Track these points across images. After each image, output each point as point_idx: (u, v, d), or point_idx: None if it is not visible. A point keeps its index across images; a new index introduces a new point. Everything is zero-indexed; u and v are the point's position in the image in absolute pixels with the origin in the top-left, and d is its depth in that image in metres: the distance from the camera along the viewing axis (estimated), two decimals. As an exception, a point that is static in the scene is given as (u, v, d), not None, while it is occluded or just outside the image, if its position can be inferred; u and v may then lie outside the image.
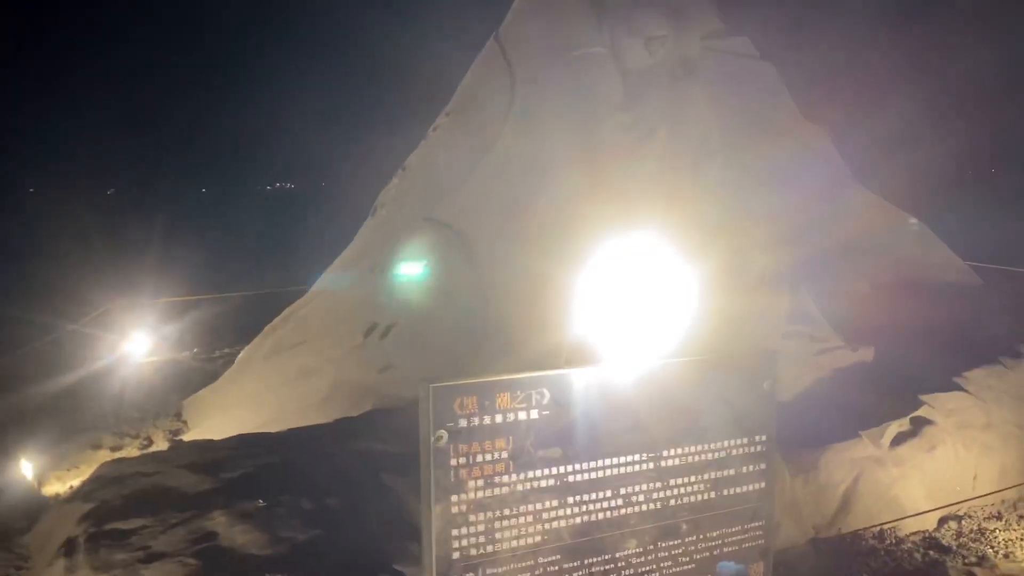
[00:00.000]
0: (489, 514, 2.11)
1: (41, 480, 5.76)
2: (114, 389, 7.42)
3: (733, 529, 2.46)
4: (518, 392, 2.12)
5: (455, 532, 2.07)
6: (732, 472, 2.44)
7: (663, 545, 2.36)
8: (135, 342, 8.67)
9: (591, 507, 2.24)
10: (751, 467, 2.47)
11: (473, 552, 2.09)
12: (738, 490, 2.45)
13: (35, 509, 4.81)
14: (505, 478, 2.12)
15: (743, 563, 2.49)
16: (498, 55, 5.57)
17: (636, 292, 2.40)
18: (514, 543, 2.14)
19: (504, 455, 2.11)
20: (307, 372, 5.48)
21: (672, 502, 2.36)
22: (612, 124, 5.16)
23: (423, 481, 2.05)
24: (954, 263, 6.11)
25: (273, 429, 4.78)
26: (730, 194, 5.32)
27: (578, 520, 2.22)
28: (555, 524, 2.19)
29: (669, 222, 4.64)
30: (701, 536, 2.41)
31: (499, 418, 2.10)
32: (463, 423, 2.06)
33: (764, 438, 2.48)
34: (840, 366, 4.89)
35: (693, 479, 2.38)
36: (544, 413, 2.15)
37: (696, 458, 2.38)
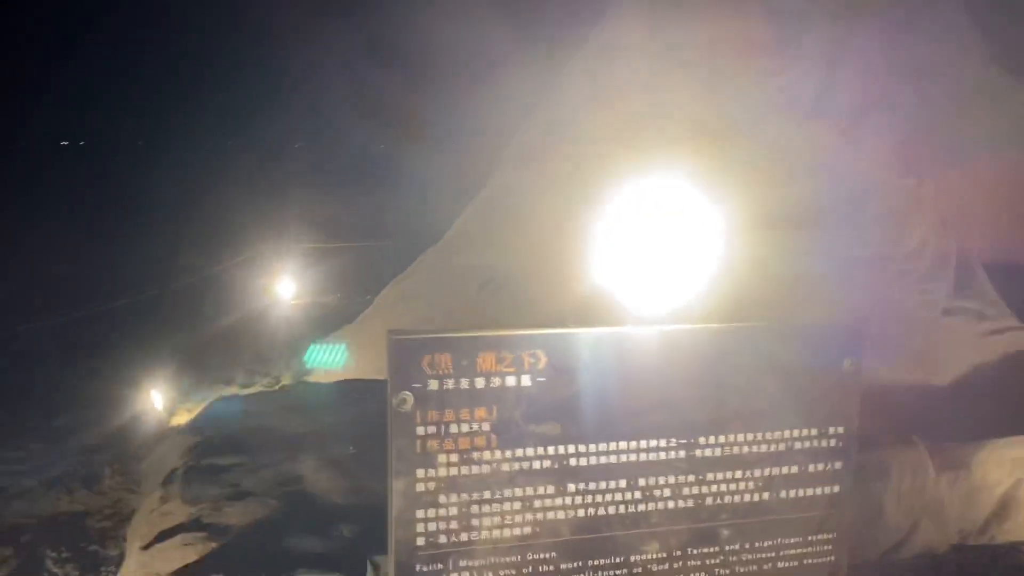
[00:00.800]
0: (464, 496, 1.75)
1: (171, 411, 5.99)
2: (255, 329, 7.66)
3: (791, 540, 1.96)
4: (505, 353, 1.73)
5: (420, 514, 1.73)
6: (794, 470, 1.93)
7: (694, 552, 1.91)
8: (280, 285, 8.93)
9: (598, 499, 1.83)
10: (821, 466, 1.95)
11: (442, 540, 1.74)
12: (801, 493, 1.95)
13: (158, 438, 4.98)
14: (486, 454, 1.75)
15: (804, 582, 1.99)
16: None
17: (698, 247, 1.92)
18: (495, 533, 1.77)
19: (485, 427, 1.74)
20: (424, 322, 5.31)
21: (709, 501, 1.89)
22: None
23: (388, 451, 1.71)
24: None
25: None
26: (887, 147, 4.54)
27: (580, 513, 1.82)
28: (550, 515, 1.80)
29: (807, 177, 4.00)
30: (747, 545, 1.94)
31: (480, 382, 1.72)
32: (433, 385, 1.70)
33: (841, 431, 1.95)
34: (1011, 351, 4.08)
35: (739, 475, 1.90)
36: (539, 380, 1.75)
37: (744, 449, 1.90)
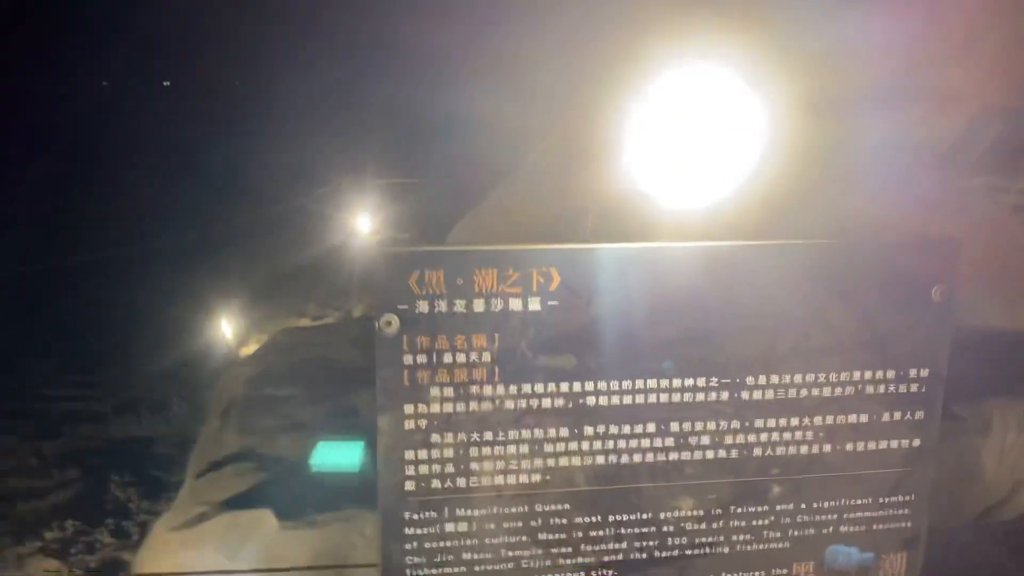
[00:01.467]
0: (462, 436, 1.50)
1: (241, 342, 6.01)
2: (331, 263, 7.62)
3: (859, 502, 1.65)
4: (509, 270, 1.45)
5: (409, 455, 1.49)
6: (864, 419, 1.60)
7: (738, 511, 1.61)
8: (357, 219, 8.86)
9: (621, 445, 1.55)
10: (898, 415, 1.61)
11: (436, 485, 1.51)
12: (872, 447, 1.62)
13: (224, 368, 4.99)
14: (487, 389, 1.49)
15: (871, 551, 1.67)
16: None
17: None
18: (498, 480, 1.53)
19: (485, 357, 1.48)
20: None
21: (756, 452, 1.59)
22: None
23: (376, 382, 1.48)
24: None
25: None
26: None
27: (600, 460, 1.55)
28: (563, 462, 1.54)
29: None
30: (802, 506, 1.63)
31: (478, 304, 1.46)
32: (423, 307, 1.44)
33: (926, 374, 1.60)
34: None
35: (795, 422, 1.59)
36: (550, 304, 1.48)
37: (802, 392, 1.58)
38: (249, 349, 5.77)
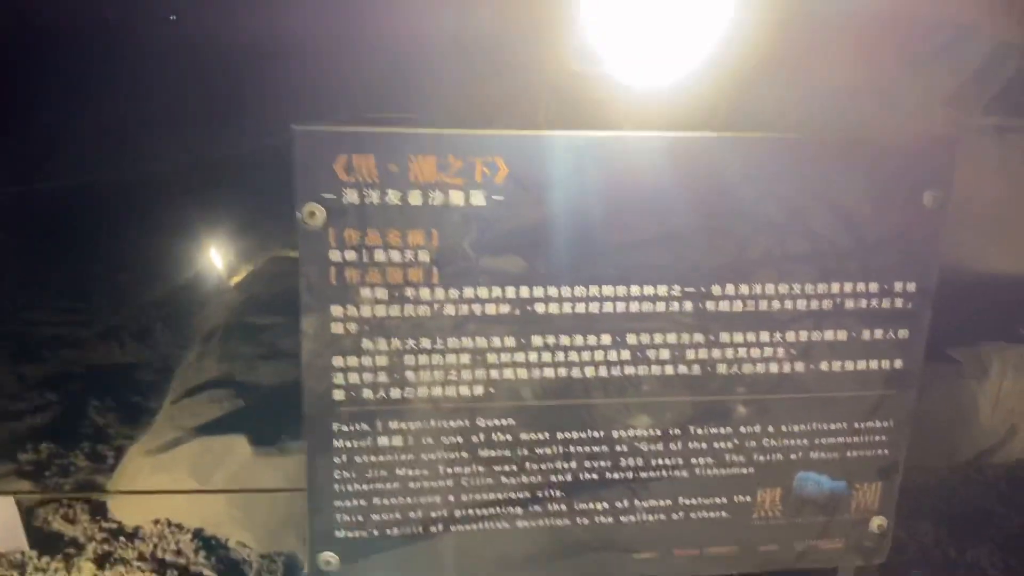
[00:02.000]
0: (396, 343, 1.37)
1: (229, 271, 5.89)
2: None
3: (832, 427, 1.52)
4: (450, 158, 1.30)
5: (338, 361, 1.36)
6: (841, 336, 1.46)
7: (699, 432, 1.49)
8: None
9: (573, 357, 1.42)
10: (879, 333, 1.47)
11: (367, 395, 1.38)
12: (849, 366, 1.48)
13: (210, 296, 4.88)
14: (424, 292, 1.35)
15: (843, 479, 1.55)
16: None
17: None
18: (436, 392, 1.40)
19: (423, 256, 1.33)
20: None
21: (721, 368, 1.46)
22: None
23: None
24: None
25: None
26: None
27: (549, 373, 1.42)
28: (508, 374, 1.41)
29: None
30: (770, 428, 1.51)
31: (415, 196, 1.31)
32: (351, 196, 1.30)
33: (912, 288, 1.45)
34: None
35: (765, 337, 1.45)
36: (495, 198, 1.32)
37: (773, 305, 1.43)
38: (236, 278, 5.65)
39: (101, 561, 1.99)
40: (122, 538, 2.07)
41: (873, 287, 1.44)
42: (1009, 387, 2.63)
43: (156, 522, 2.15)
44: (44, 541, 2.05)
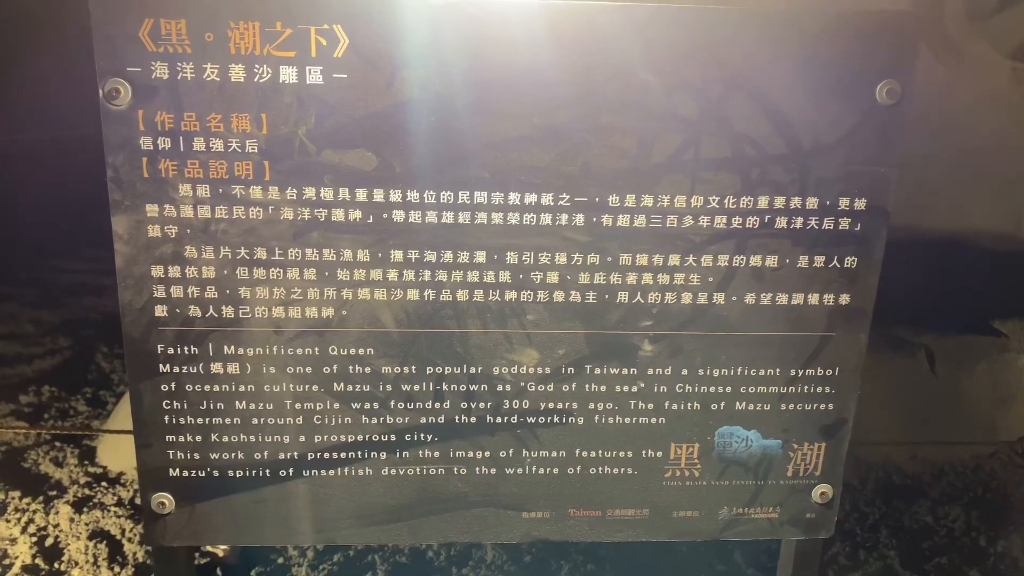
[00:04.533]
0: (225, 252, 1.15)
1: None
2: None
3: (762, 373, 1.26)
4: (278, 24, 1.07)
5: (157, 271, 1.15)
6: (772, 262, 1.20)
7: (598, 372, 1.25)
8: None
9: (441, 276, 1.18)
10: (819, 259, 1.21)
11: (194, 313, 1.17)
12: (782, 300, 1.22)
13: None
14: (255, 190, 1.13)
15: (777, 437, 1.30)
16: None
17: None
18: (277, 312, 1.18)
19: (251, 147, 1.11)
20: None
21: (622, 296, 1.21)
22: None
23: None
24: None
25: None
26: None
27: (412, 295, 1.19)
28: (363, 294, 1.19)
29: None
30: (684, 372, 1.26)
31: (237, 71, 1.08)
32: (160, 70, 1.07)
33: (862, 206, 1.18)
34: None
35: (675, 261, 1.20)
36: (336, 77, 1.09)
37: (686, 221, 1.18)
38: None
39: (79, 505, 1.93)
40: (104, 483, 2.01)
41: (812, 202, 1.17)
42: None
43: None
44: (30, 482, 2.01)
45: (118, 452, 2.12)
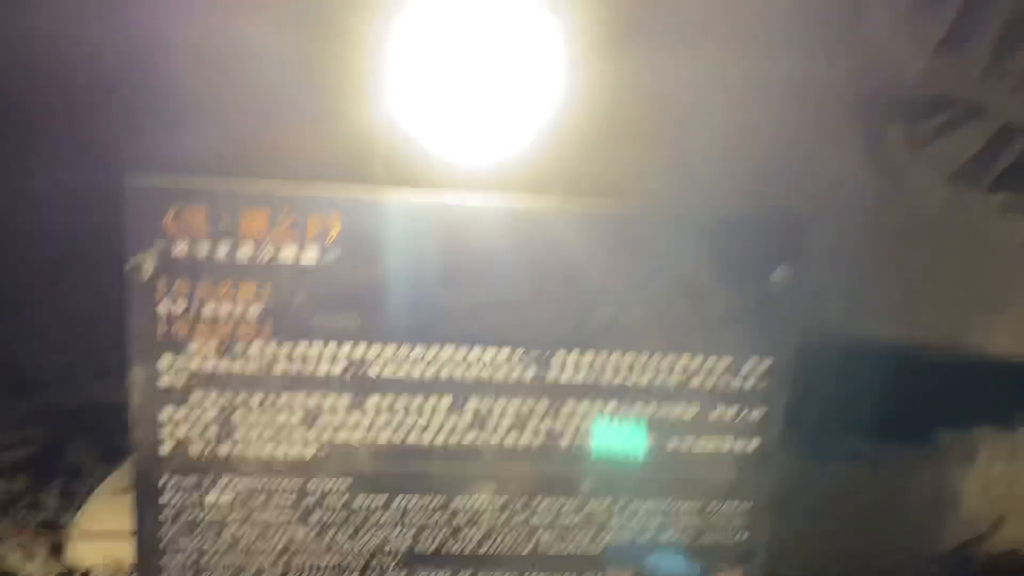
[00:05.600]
0: (226, 397, 1.34)
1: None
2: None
3: (686, 506, 1.47)
4: (284, 213, 1.29)
5: (165, 414, 1.34)
6: (690, 412, 1.42)
7: (543, 505, 1.44)
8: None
9: (410, 420, 1.38)
10: (731, 411, 1.43)
11: (196, 450, 1.35)
12: (699, 445, 1.44)
13: None
14: (254, 347, 1.33)
15: (700, 563, 1.49)
16: None
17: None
18: (268, 450, 1.37)
19: (253, 311, 1.32)
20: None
21: (565, 440, 1.42)
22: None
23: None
24: None
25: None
26: None
27: (384, 436, 1.39)
28: (342, 435, 1.38)
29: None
30: (620, 504, 1.46)
31: (246, 250, 1.30)
32: (181, 248, 1.29)
33: (763, 367, 1.42)
34: None
35: (610, 408, 1.41)
36: (329, 256, 1.31)
37: (618, 376, 1.40)
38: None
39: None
40: (73, 580, 2.06)
41: (723, 363, 1.40)
42: (998, 475, 2.54)
43: (108, 564, 2.14)
44: (-3, 578, 2.05)
45: (88, 547, 2.16)
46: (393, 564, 1.43)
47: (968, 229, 2.73)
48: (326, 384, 1.35)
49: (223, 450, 1.36)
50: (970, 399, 2.56)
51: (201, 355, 1.32)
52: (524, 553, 1.45)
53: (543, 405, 1.39)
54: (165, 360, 1.32)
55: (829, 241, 2.25)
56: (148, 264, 1.29)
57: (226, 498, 1.38)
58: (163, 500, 1.37)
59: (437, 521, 1.42)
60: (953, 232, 2.68)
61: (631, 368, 1.39)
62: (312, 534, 1.40)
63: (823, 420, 2.15)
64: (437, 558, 1.43)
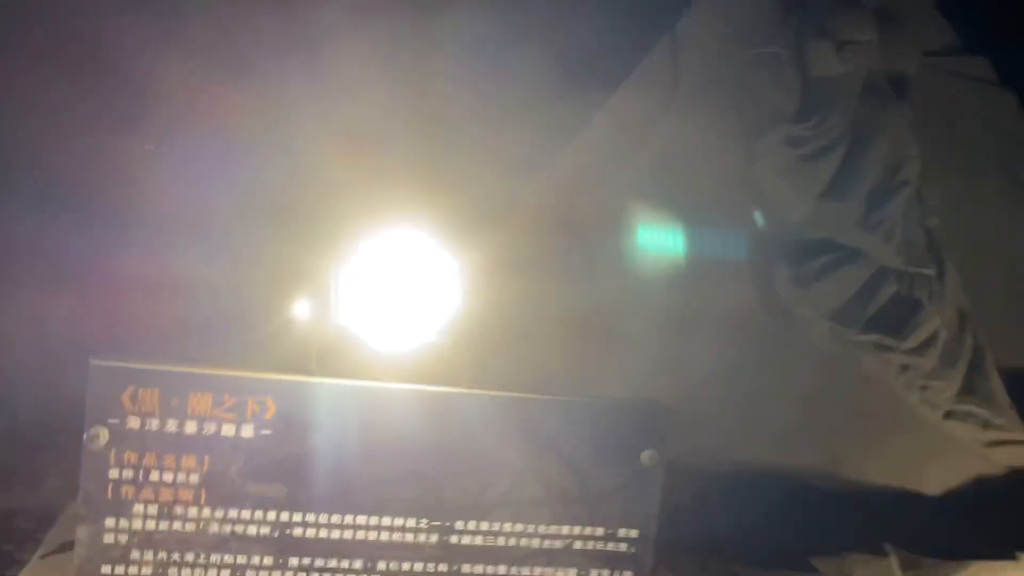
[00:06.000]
0: (163, 555, 1.52)
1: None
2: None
3: (567, 656, 1.67)
4: (225, 395, 1.51)
5: (106, 569, 1.51)
6: (571, 574, 1.65)
7: (442, 656, 1.63)
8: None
9: (325, 578, 1.58)
10: (606, 572, 1.66)
11: (130, 601, 1.52)
12: (580, 602, 1.66)
13: None
14: (192, 511, 1.52)
15: None
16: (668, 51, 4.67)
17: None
18: (195, 603, 1.54)
19: (193, 479, 1.52)
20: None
21: (463, 597, 1.62)
22: (777, 136, 4.04)
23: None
24: None
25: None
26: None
27: (302, 592, 1.57)
28: (264, 590, 1.56)
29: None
30: (508, 655, 1.65)
31: (190, 426, 1.51)
32: (134, 423, 1.49)
33: (634, 535, 1.66)
34: (1018, 465, 3.57)
35: (502, 570, 1.63)
36: (263, 432, 1.53)
37: (510, 542, 1.63)
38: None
39: None
40: None
41: (599, 531, 1.64)
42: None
43: None
44: None
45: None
46: None
47: (845, 363, 3.05)
48: (253, 545, 1.54)
49: (156, 603, 1.52)
50: (846, 525, 2.79)
51: (143, 517, 1.50)
52: None
53: (444, 567, 1.60)
54: (110, 521, 1.50)
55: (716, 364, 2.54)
56: (103, 436, 1.48)
57: (154, 647, 1.53)
58: (96, 649, 1.51)
59: (345, 669, 1.59)
60: (832, 366, 3.00)
61: (521, 536, 1.61)
62: None
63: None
64: None
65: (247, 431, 1.52)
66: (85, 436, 1.49)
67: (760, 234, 3.12)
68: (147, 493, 1.51)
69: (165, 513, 1.51)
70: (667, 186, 2.92)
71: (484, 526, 1.61)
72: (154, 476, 1.50)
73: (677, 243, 2.75)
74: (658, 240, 2.60)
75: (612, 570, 1.66)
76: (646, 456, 1.65)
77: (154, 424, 1.50)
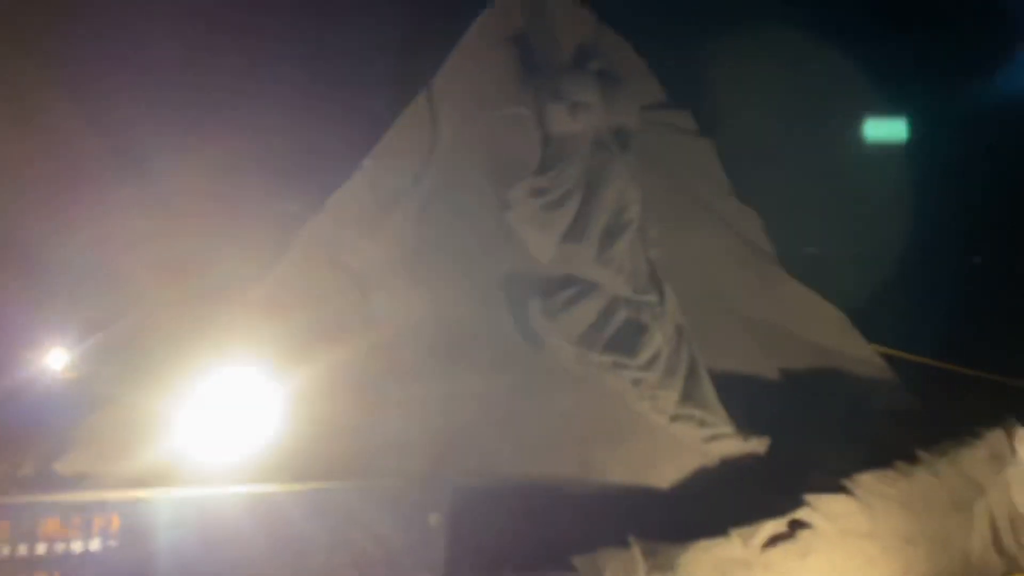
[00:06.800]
0: (21, 663, 1.76)
1: None
2: None
3: None
4: (74, 517, 1.78)
5: None
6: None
7: None
8: None
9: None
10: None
11: None
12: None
13: None
14: (44, 617, 1.77)
15: None
16: (426, 107, 5.14)
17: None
18: None
19: (44, 592, 1.77)
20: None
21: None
22: (523, 188, 4.67)
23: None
24: (873, 359, 5.42)
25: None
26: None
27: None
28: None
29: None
30: None
31: (41, 548, 1.76)
32: (-12, 553, 1.72)
33: (428, 578, 2.10)
34: (729, 455, 4.36)
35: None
36: (111, 544, 1.81)
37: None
38: None
39: None
40: None
41: (400, 583, 2.06)
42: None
43: None
44: None
45: None
46: None
47: (589, 382, 3.66)
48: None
49: None
50: (598, 522, 3.26)
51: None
52: None
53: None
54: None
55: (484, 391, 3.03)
56: (-39, 568, 1.71)
57: None
58: None
59: None
60: (579, 384, 3.58)
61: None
62: None
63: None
64: None
65: (95, 545, 1.80)
66: (-59, 568, 1.70)
67: (515, 274, 3.80)
68: (4, 611, 1.74)
69: (20, 625, 1.76)
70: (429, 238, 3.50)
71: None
72: (7, 595, 1.75)
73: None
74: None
75: (412, 609, 2.09)
76: (433, 519, 2.09)
77: (5, 551, 1.74)
